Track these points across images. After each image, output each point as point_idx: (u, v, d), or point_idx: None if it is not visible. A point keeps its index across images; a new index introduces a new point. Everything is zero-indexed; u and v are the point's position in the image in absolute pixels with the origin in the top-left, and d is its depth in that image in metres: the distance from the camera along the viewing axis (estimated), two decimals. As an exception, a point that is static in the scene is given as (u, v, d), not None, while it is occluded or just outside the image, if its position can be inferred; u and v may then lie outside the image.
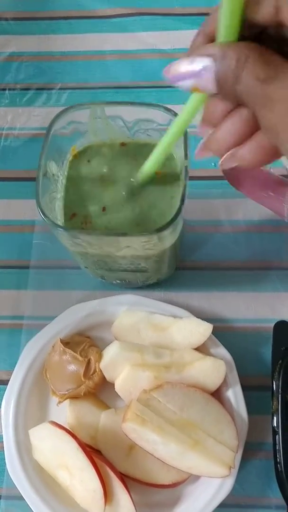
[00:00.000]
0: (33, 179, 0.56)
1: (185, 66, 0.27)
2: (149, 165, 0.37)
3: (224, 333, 0.47)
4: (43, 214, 0.36)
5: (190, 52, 0.28)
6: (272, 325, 0.47)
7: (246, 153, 0.29)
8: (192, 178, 0.39)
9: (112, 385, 0.45)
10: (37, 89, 0.60)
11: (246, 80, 0.25)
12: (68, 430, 0.42)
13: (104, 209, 0.40)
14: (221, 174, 0.54)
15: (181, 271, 0.51)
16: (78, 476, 0.41)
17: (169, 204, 0.40)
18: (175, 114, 0.38)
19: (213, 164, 0.54)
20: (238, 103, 0.28)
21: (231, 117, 0.29)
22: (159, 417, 0.41)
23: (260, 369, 0.47)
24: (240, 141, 0.29)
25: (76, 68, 0.61)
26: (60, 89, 0.59)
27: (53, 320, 0.47)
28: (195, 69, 0.27)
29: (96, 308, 0.47)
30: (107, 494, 0.40)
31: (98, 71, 0.61)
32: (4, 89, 0.60)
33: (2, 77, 0.60)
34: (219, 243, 0.52)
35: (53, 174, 0.40)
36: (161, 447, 0.40)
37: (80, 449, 0.40)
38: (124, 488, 0.41)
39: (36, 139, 0.58)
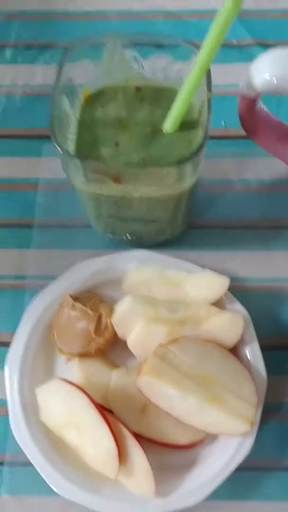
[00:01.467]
0: (36, 137, 0.55)
1: None
2: (179, 110, 0.36)
3: (239, 292, 0.44)
4: (59, 145, 0.34)
5: None
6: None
7: None
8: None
9: (122, 344, 0.43)
10: (40, 47, 0.58)
11: None
12: (78, 386, 0.39)
13: (117, 153, 0.38)
14: (231, 133, 0.53)
15: (192, 230, 0.49)
16: (90, 435, 0.38)
17: (187, 147, 0.38)
18: (197, 47, 0.36)
19: (223, 123, 0.53)
20: None
21: None
22: (176, 370, 0.39)
23: (277, 329, 0.45)
24: None
25: (79, 28, 0.59)
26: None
27: (59, 278, 0.45)
28: None
29: (105, 264, 0.45)
30: (121, 454, 0.38)
31: (101, 31, 0.59)
32: (3, 46, 0.58)
33: (4, 35, 0.58)
34: (230, 203, 0.50)
35: (66, 113, 0.38)
36: (178, 403, 0.38)
37: (92, 405, 0.38)
38: (140, 447, 0.38)
39: (39, 97, 0.55)
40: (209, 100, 0.35)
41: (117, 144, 0.39)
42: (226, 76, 0.53)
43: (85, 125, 0.40)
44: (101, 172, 0.35)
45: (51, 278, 0.45)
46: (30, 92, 0.56)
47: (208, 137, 0.34)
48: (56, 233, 0.49)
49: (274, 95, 0.54)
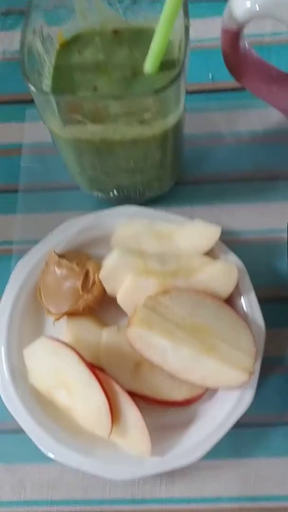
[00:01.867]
0: (18, 102, 0.53)
1: None
2: (158, 47, 0.34)
3: (234, 246, 0.42)
4: (31, 82, 0.32)
5: None
6: (285, 235, 0.44)
7: None
8: (188, 92, 0.37)
9: (112, 303, 0.41)
10: (19, 13, 0.56)
11: None
12: (66, 343, 0.37)
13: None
14: (220, 86, 0.51)
15: (182, 186, 0.47)
16: (80, 394, 0.36)
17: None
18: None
19: (210, 76, 0.51)
20: None
21: None
22: (168, 321, 0.37)
23: (275, 280, 0.43)
24: None
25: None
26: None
27: (45, 238, 0.43)
28: None
29: (92, 221, 0.43)
30: (113, 411, 0.36)
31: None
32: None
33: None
34: (222, 156, 0.48)
35: (39, 54, 0.36)
36: (171, 355, 0.36)
37: (81, 361, 0.36)
38: (134, 404, 0.36)
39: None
40: (186, 28, 0.33)
41: (95, 89, 0.37)
42: (212, 29, 0.52)
43: (61, 71, 0.38)
44: (77, 111, 0.33)
45: (38, 242, 0.43)
46: (10, 57, 0.54)
47: (188, 56, 0.32)
48: (42, 197, 0.48)
49: (264, 45, 0.52)
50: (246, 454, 0.39)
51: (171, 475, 0.38)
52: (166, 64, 0.37)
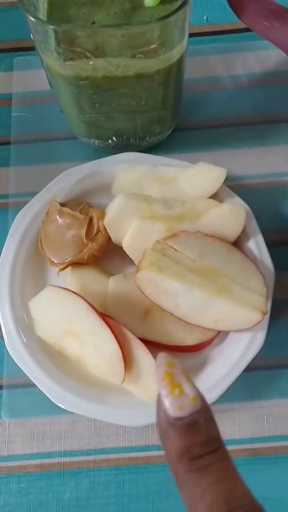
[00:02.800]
0: (5, 51, 0.51)
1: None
2: None
3: (237, 190, 0.41)
4: (28, 10, 0.30)
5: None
6: None
7: None
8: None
9: (117, 251, 0.40)
10: None
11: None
12: (73, 291, 0.36)
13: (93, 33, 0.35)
14: (216, 28, 0.50)
15: (181, 132, 0.46)
16: (90, 341, 0.35)
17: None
18: None
19: (205, 18, 0.49)
20: None
21: None
22: (178, 264, 0.36)
23: (280, 224, 0.43)
24: None
25: None
26: None
27: (44, 188, 0.41)
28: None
29: (92, 170, 0.42)
30: (126, 358, 0.35)
31: None
32: None
33: None
34: (220, 100, 0.47)
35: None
36: (183, 298, 0.35)
37: (90, 308, 0.35)
38: (146, 349, 0.35)
39: (5, 10, 0.51)
40: None
41: (93, 23, 0.35)
42: None
43: (56, 6, 0.36)
44: (79, 43, 0.31)
45: (35, 194, 0.42)
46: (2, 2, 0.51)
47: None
48: (36, 148, 0.46)
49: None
50: (259, 396, 0.39)
51: (185, 419, 0.38)
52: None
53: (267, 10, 0.40)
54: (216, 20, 0.49)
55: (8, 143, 0.46)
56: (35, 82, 0.48)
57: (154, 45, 0.32)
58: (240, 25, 0.39)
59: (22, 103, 0.47)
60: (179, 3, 0.34)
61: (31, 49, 0.48)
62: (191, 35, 0.48)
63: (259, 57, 0.47)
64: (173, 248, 0.36)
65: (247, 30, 0.47)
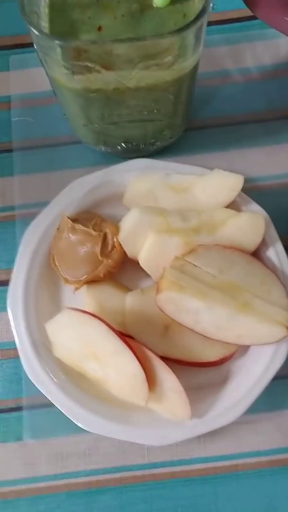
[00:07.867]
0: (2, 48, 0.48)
1: None
2: None
3: (252, 193, 0.40)
4: (32, 24, 0.28)
5: None
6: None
7: None
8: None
9: (132, 265, 0.38)
10: None
11: None
12: (92, 313, 0.35)
13: (101, 38, 0.32)
14: (223, 17, 0.47)
15: (191, 132, 0.44)
16: (112, 364, 0.35)
17: (181, 22, 0.32)
18: None
19: (211, 5, 0.46)
20: None
21: None
22: (198, 281, 0.35)
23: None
24: None
25: None
26: None
27: (53, 201, 0.40)
28: None
29: (101, 179, 0.40)
30: (148, 378, 0.34)
31: None
32: None
33: None
34: (230, 96, 0.45)
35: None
36: (205, 315, 0.34)
37: (110, 331, 0.34)
38: (168, 369, 0.35)
39: (6, 0, 0.48)
40: None
41: (99, 28, 0.32)
42: None
43: (58, 9, 0.33)
44: (86, 58, 0.29)
45: (43, 204, 0.40)
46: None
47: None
48: (40, 154, 0.44)
49: None
50: (282, 405, 0.38)
51: (210, 433, 0.37)
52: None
53: (281, 2, 0.38)
54: (222, 8, 0.46)
55: (10, 150, 0.44)
56: (34, 82, 0.45)
57: (170, 57, 0.30)
58: (247, 12, 0.37)
59: (21, 106, 0.45)
60: (192, 4, 0.32)
61: (27, 45, 0.45)
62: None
63: (268, 47, 0.45)
64: (192, 264, 0.35)
65: (254, 17, 0.45)
